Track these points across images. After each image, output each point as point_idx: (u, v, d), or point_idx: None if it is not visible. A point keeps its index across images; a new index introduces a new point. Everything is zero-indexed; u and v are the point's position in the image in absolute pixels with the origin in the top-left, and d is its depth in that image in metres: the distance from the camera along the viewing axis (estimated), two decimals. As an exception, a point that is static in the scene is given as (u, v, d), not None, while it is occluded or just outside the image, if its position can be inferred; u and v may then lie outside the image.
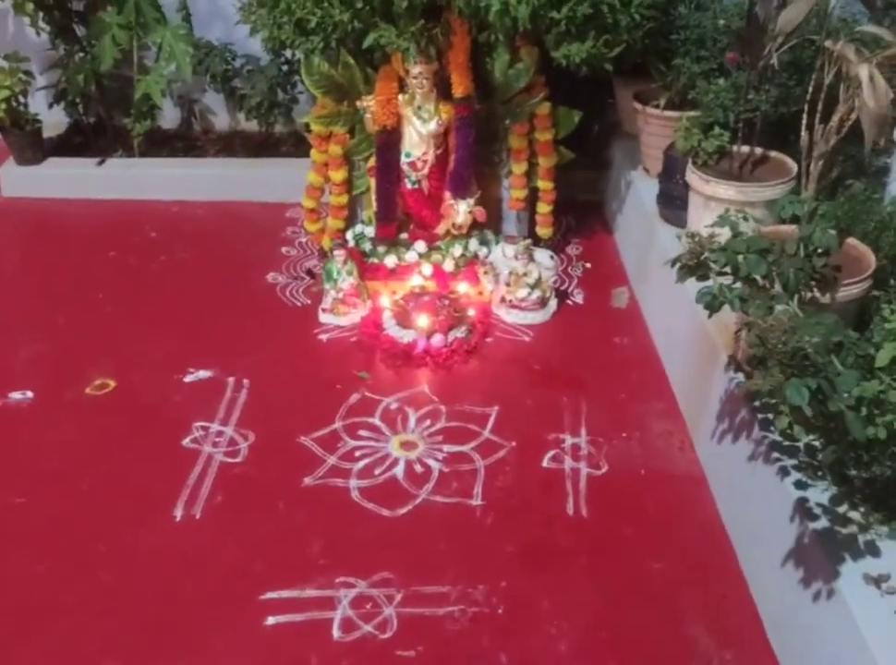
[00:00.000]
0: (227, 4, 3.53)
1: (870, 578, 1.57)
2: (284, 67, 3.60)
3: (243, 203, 3.60)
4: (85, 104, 3.79)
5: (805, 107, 2.13)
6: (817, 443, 1.81)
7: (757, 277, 1.81)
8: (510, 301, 2.88)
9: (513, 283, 2.86)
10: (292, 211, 3.48)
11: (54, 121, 3.87)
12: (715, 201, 2.44)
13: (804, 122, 2.14)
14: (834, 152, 2.27)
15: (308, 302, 2.99)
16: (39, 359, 2.71)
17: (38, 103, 3.77)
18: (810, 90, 2.09)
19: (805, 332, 1.55)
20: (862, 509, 1.70)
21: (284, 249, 3.32)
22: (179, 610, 1.91)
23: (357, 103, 2.86)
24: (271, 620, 1.88)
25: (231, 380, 2.61)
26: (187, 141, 3.96)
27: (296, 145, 3.81)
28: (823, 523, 1.71)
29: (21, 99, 3.59)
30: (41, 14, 3.48)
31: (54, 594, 1.94)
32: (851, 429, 1.41)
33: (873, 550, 1.64)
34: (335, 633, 1.85)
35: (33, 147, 3.69)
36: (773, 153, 2.57)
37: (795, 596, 1.72)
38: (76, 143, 3.93)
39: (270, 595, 1.93)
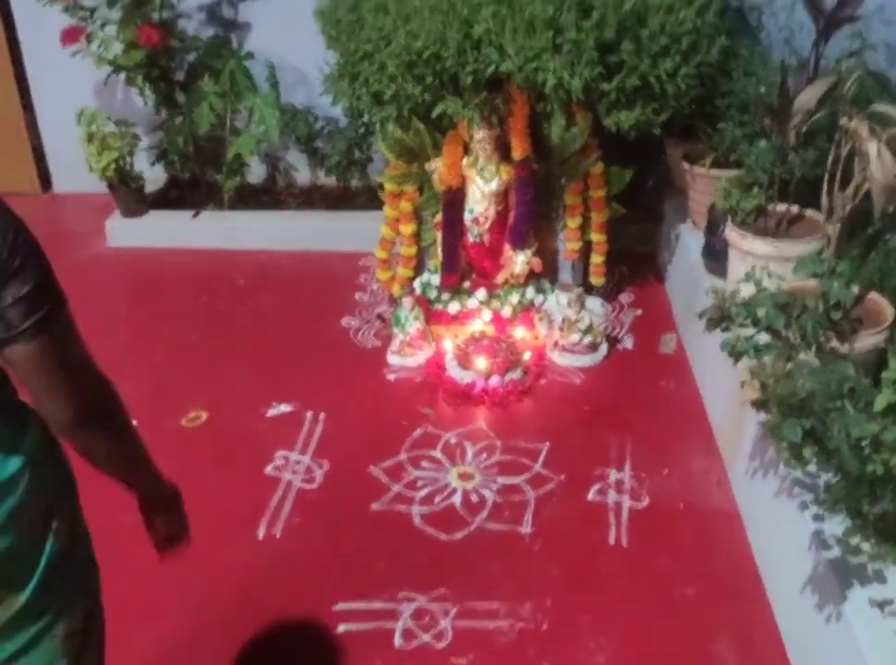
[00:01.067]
0: (311, 72, 3.90)
1: (875, 602, 1.74)
2: (361, 130, 3.92)
3: (322, 253, 3.91)
4: (182, 162, 4.18)
5: (826, 176, 2.33)
6: (833, 481, 1.99)
7: (779, 328, 2.01)
8: (563, 345, 3.10)
9: (566, 328, 3.09)
10: (365, 259, 3.78)
11: (153, 177, 4.27)
12: (751, 256, 2.63)
13: (824, 189, 2.34)
14: (863, 212, 2.46)
15: (379, 344, 3.27)
16: (141, 392, 3.02)
17: (140, 162, 4.18)
18: (829, 160, 2.29)
19: (812, 378, 1.75)
20: (872, 540, 1.87)
21: (357, 295, 3.61)
22: (261, 616, 2.16)
23: (426, 165, 3.14)
24: (342, 627, 2.12)
25: (309, 414, 2.89)
26: (271, 195, 4.31)
27: (370, 199, 4.12)
28: (836, 552, 1.88)
29: (128, 159, 3.99)
30: (148, 84, 3.89)
31: (157, 597, 2.21)
32: (847, 464, 1.60)
33: (880, 578, 1.81)
34: (397, 641, 2.08)
35: (137, 201, 4.09)
36: (808, 211, 2.75)
37: (811, 619, 1.89)
38: (172, 197, 4.31)
39: (341, 605, 2.18)
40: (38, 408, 1.25)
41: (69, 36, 3.59)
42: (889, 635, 1.68)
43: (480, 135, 3.00)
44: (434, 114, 2.97)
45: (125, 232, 4.10)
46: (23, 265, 1.14)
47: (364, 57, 2.95)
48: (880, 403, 1.68)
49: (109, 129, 3.90)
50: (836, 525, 1.94)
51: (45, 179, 4.66)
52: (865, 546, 1.87)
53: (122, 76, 3.88)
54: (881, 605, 1.73)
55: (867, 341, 2.09)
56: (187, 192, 4.27)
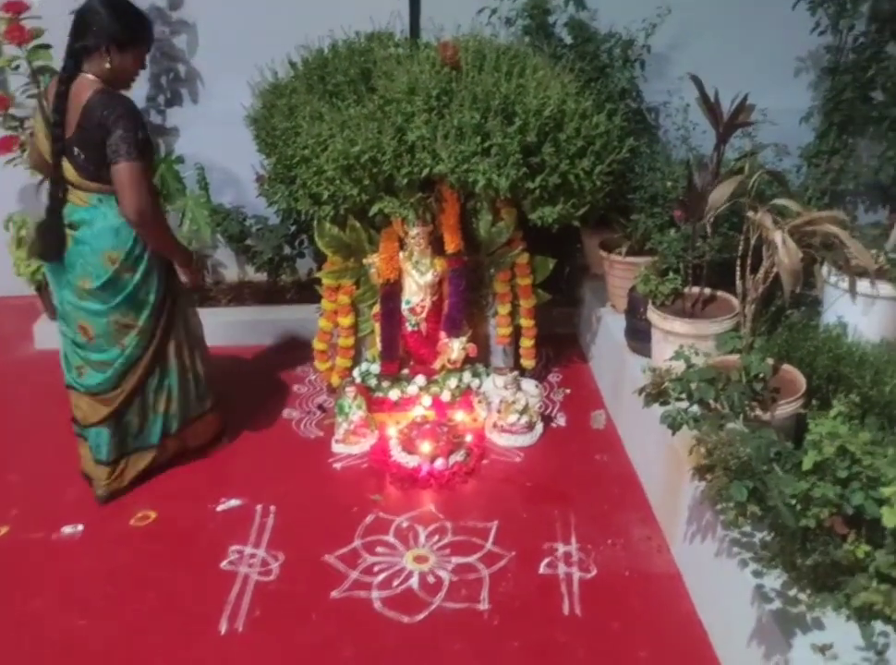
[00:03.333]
0: (240, 173, 4.06)
1: (817, 647, 1.90)
2: (293, 227, 4.06)
3: (256, 347, 4.00)
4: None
5: (738, 262, 2.60)
6: (768, 538, 2.17)
7: (709, 401, 2.22)
8: (501, 426, 3.26)
9: (503, 410, 3.24)
10: (299, 351, 3.88)
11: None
12: (672, 335, 2.87)
13: (737, 273, 2.61)
14: (771, 292, 2.73)
15: (321, 434, 3.35)
16: (85, 496, 3.01)
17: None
18: (740, 248, 2.56)
19: (747, 444, 1.94)
20: (808, 591, 2.05)
21: (295, 387, 3.70)
22: (231, 711, 2.18)
23: (364, 260, 3.30)
24: (312, 716, 2.16)
25: (259, 507, 2.93)
26: (202, 292, 4.38)
27: (298, 292, 4.26)
28: (777, 604, 2.04)
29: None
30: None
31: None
32: (785, 520, 1.78)
33: (819, 625, 1.97)
34: (369, 724, 2.14)
35: (65, 303, 4.09)
36: (720, 293, 3.02)
37: (760, 669, 2.04)
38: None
39: (310, 694, 2.22)
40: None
41: (3, 146, 3.64)
42: (833, 677, 1.84)
43: (415, 231, 3.18)
44: (371, 213, 3.15)
45: (53, 334, 4.07)
46: (117, 124, 2.58)
47: (301, 161, 3.12)
48: (807, 463, 1.88)
49: (37, 233, 3.92)
50: (774, 579, 2.11)
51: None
52: (803, 596, 2.04)
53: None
54: (822, 649, 1.89)
55: (786, 409, 2.32)
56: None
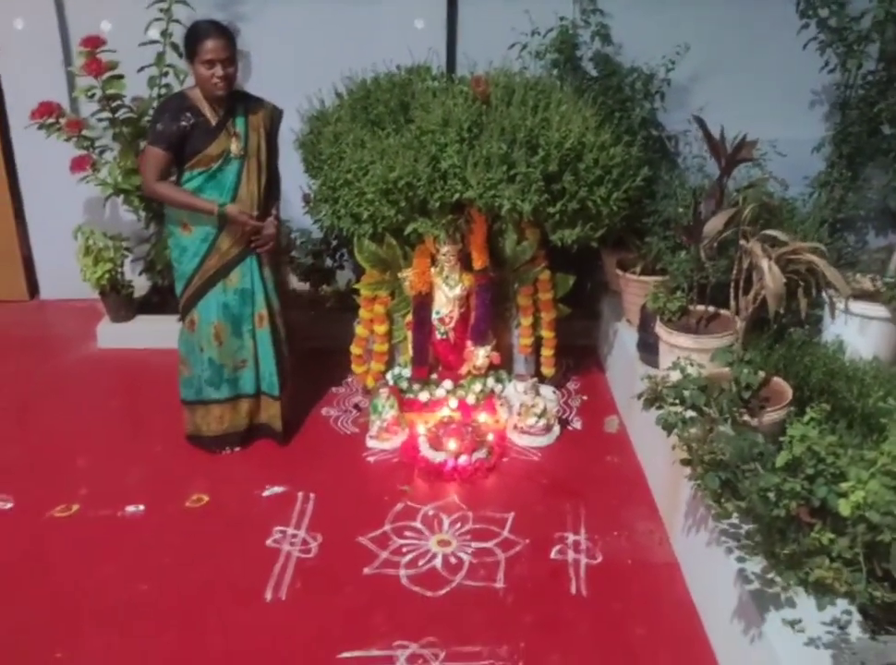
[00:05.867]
0: (286, 190, 4.39)
1: (787, 622, 2.17)
2: (334, 242, 4.40)
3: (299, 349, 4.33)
4: (168, 271, 4.57)
5: (732, 283, 2.89)
6: (752, 530, 2.45)
7: (701, 406, 2.50)
8: (521, 427, 3.56)
9: (523, 412, 3.55)
10: (338, 356, 4.20)
11: (137, 284, 4.68)
12: (678, 349, 3.15)
13: (731, 294, 2.90)
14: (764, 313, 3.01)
15: (357, 431, 3.68)
16: (145, 478, 3.36)
17: (128, 270, 4.58)
18: (734, 271, 2.85)
19: (729, 444, 2.23)
20: (784, 574, 2.32)
21: (333, 388, 4.04)
22: (276, 666, 2.50)
23: (399, 274, 3.63)
24: (347, 672, 2.48)
25: (300, 493, 3.26)
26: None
27: (339, 301, 4.59)
28: (755, 585, 2.32)
29: (120, 269, 4.39)
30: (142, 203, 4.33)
31: (180, 659, 2.53)
32: (758, 509, 2.06)
33: (791, 603, 2.25)
34: (396, 680, 2.45)
35: (126, 307, 4.48)
36: (723, 311, 3.30)
37: (739, 641, 2.32)
38: (154, 302, 4.70)
39: (345, 654, 2.52)
40: None
41: (78, 165, 4.03)
42: (800, 646, 2.12)
43: (446, 249, 3.50)
44: (406, 232, 3.47)
45: (113, 335, 4.46)
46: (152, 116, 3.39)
47: (344, 184, 3.45)
48: (780, 461, 2.17)
49: (103, 243, 4.30)
50: (755, 564, 2.39)
51: (33, 287, 5.01)
52: (778, 579, 2.32)
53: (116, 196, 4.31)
54: (792, 624, 2.17)
55: (773, 416, 2.59)
56: (169, 297, 4.65)
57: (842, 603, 2.19)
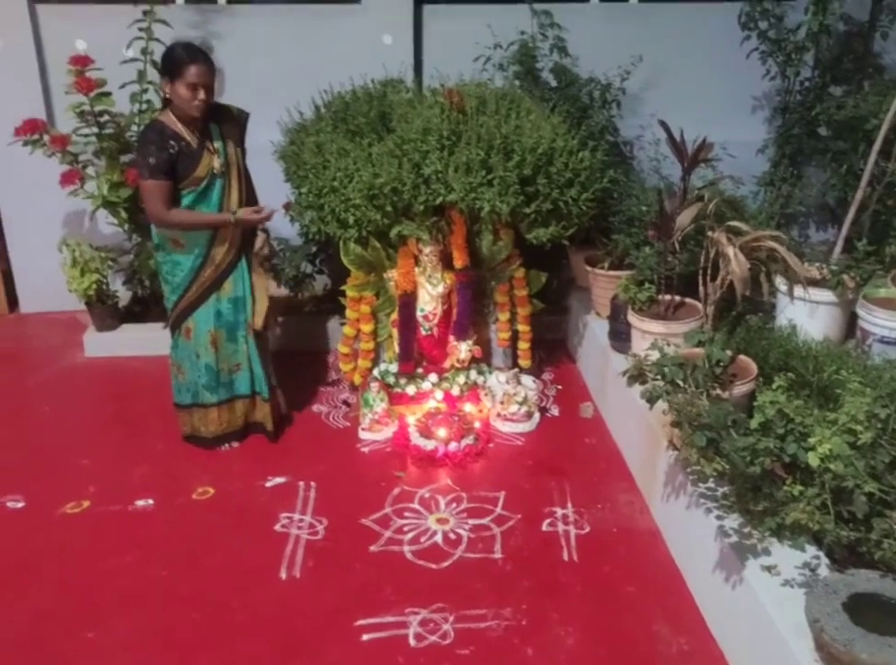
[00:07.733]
0: (267, 200, 4.57)
1: (764, 567, 2.44)
2: (314, 248, 4.59)
3: (279, 351, 4.51)
4: (151, 281, 4.72)
5: (700, 271, 3.18)
6: (727, 491, 2.73)
7: (678, 381, 2.77)
8: (504, 415, 3.80)
9: (506, 401, 3.79)
10: (322, 356, 4.40)
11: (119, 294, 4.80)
12: (649, 334, 3.43)
13: (700, 281, 3.18)
14: (731, 298, 3.30)
15: (348, 424, 3.88)
16: (151, 474, 3.51)
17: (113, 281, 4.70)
18: (701, 260, 3.14)
19: (709, 412, 2.50)
20: (760, 529, 2.59)
21: (321, 387, 4.22)
22: (299, 635, 2.68)
23: (385, 275, 3.84)
24: (365, 637, 2.66)
25: (302, 483, 3.44)
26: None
27: (316, 305, 4.78)
28: (734, 539, 2.59)
29: (105, 280, 4.52)
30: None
31: (205, 634, 2.69)
32: (737, 466, 2.33)
33: (767, 552, 2.52)
34: (411, 642, 2.64)
35: (111, 317, 4.60)
36: (687, 300, 3.59)
37: (721, 589, 2.58)
38: (136, 311, 4.82)
39: (361, 621, 2.72)
40: None
41: (67, 179, 4.17)
42: (776, 587, 2.39)
43: (428, 249, 3.73)
44: (392, 235, 3.69)
45: (99, 343, 4.58)
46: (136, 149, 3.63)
47: (330, 191, 3.66)
48: (754, 423, 2.44)
49: (89, 255, 4.43)
50: (732, 521, 2.66)
51: (13, 301, 5.09)
52: (755, 533, 2.59)
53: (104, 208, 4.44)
54: (769, 568, 2.44)
55: (741, 389, 2.88)
56: (151, 306, 4.79)
57: (811, 550, 2.48)
